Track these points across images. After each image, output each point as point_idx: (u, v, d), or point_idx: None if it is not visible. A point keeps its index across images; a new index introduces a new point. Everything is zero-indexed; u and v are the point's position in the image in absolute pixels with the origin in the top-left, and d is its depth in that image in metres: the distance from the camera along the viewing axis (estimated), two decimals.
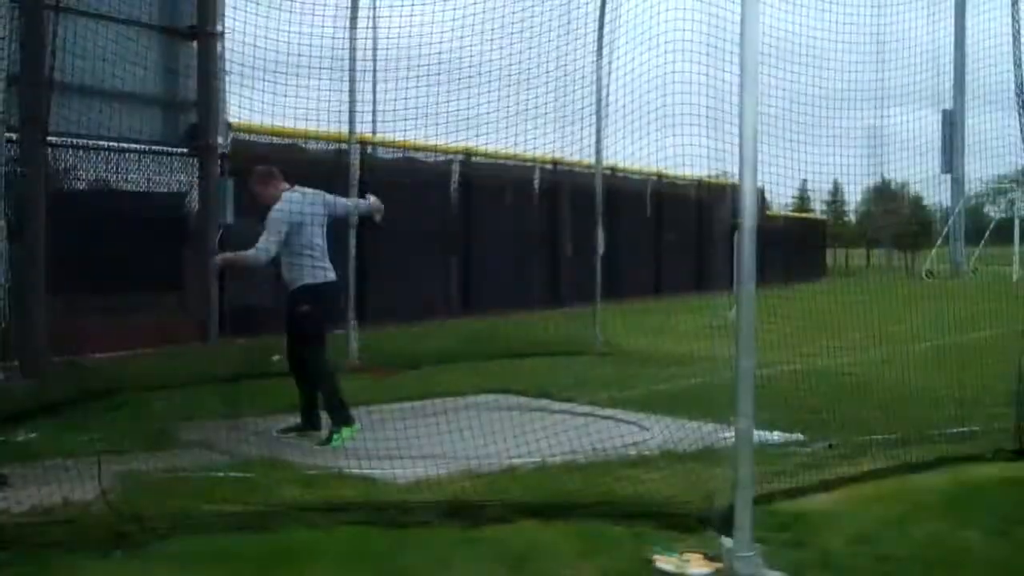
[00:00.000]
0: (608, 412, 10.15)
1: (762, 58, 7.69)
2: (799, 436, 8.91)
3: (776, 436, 8.83)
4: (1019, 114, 9.51)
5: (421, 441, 8.18)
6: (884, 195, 45.16)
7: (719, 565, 5.51)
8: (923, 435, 8.81)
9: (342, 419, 8.91)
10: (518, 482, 7.17)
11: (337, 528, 6.04)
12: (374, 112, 15.91)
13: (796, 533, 6.16)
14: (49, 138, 11.46)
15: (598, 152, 14.95)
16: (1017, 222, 41.84)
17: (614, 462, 7.88)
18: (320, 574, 5.33)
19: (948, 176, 35.86)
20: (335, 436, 8.79)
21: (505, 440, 8.18)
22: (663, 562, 5.58)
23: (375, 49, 14.45)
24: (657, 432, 9.11)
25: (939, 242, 44.51)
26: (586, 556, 5.68)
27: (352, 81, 12.81)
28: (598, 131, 14.28)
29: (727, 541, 5.67)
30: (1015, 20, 9.17)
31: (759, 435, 8.47)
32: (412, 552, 5.72)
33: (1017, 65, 9.19)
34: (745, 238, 5.53)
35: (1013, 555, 5.94)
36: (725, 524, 6.00)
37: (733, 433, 7.58)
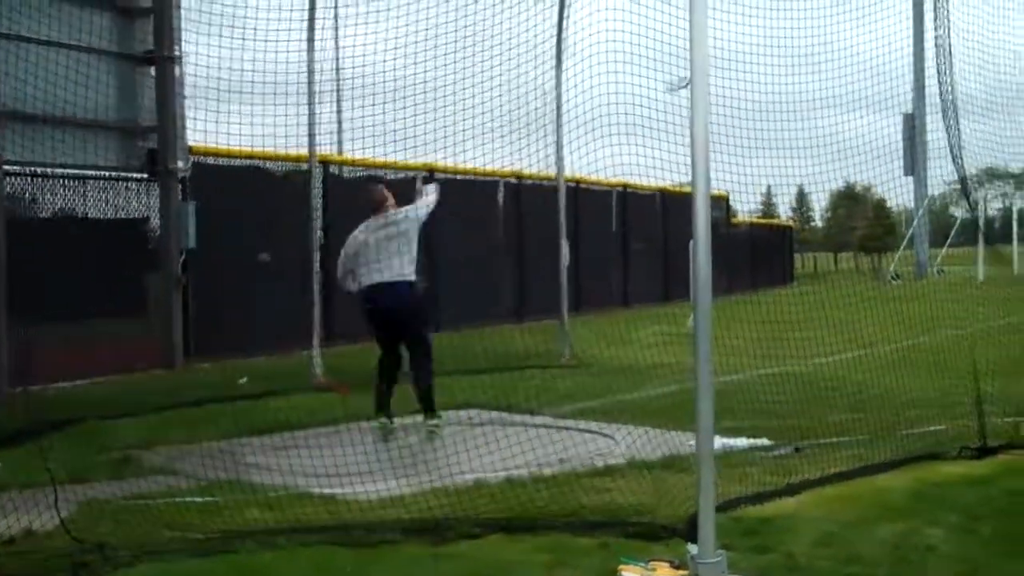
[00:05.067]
0: (575, 424, 10.15)
1: (718, 67, 7.79)
2: (765, 441, 8.95)
3: (743, 442, 8.87)
4: (945, 122, 9.65)
5: (388, 459, 8.15)
6: (849, 199, 45.57)
7: (685, 573, 5.51)
8: (889, 436, 8.88)
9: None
10: (485, 497, 7.14)
11: (301, 549, 6.01)
12: (339, 132, 15.92)
13: (762, 538, 6.17)
14: (5, 167, 11.40)
15: (559, 165, 14.99)
16: (982, 222, 42.18)
17: (581, 473, 7.87)
18: None
19: (911, 178, 36.09)
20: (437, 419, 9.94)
21: (473, 455, 8.18)
22: (629, 571, 5.58)
23: (337, 70, 14.51)
24: (624, 442, 9.11)
25: (904, 244, 44.85)
26: (553, 569, 5.68)
27: (312, 103, 12.79)
28: (559, 144, 14.32)
29: (692, 548, 5.68)
30: (937, 28, 9.31)
31: (725, 442, 8.55)
32: (377, 571, 5.70)
33: (940, 73, 9.33)
34: (700, 247, 5.55)
35: (978, 552, 5.96)
36: (691, 531, 6.02)
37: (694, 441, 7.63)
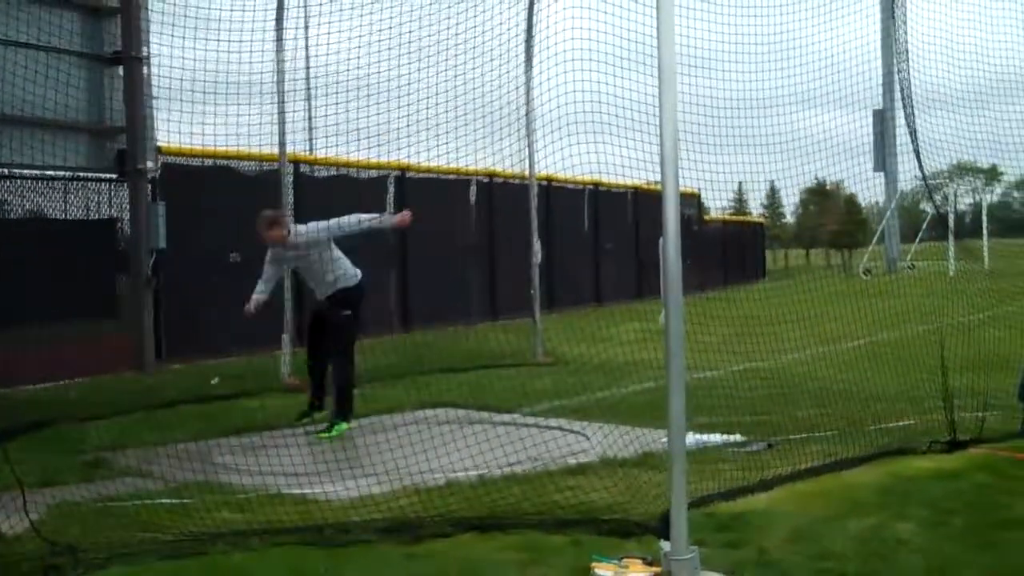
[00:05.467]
0: (549, 422, 10.15)
1: (690, 65, 7.80)
2: (738, 437, 8.98)
3: (716, 438, 8.89)
4: (907, 119, 9.70)
5: (361, 458, 8.14)
6: (820, 196, 45.78)
7: (657, 570, 5.52)
8: (859, 431, 8.93)
9: (346, 413, 9.89)
10: (458, 496, 7.14)
11: (274, 550, 6.00)
12: (310, 131, 15.83)
13: (734, 534, 6.20)
14: None
15: (531, 163, 14.99)
16: (952, 217, 42.42)
17: (555, 472, 7.88)
18: None
19: (881, 174, 36.33)
20: (336, 427, 9.75)
21: (447, 454, 8.18)
22: (602, 569, 5.58)
23: (308, 68, 14.47)
24: (597, 440, 9.12)
25: (875, 240, 45.08)
26: (527, 567, 5.68)
27: (281, 102, 12.74)
28: (530, 142, 14.31)
29: (665, 545, 5.70)
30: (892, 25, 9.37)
31: (698, 438, 8.58)
32: (350, 571, 5.69)
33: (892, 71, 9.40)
34: (670, 244, 5.56)
35: (947, 545, 6.01)
36: (664, 528, 6.04)
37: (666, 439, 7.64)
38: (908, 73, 9.53)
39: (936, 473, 7.59)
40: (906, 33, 9.45)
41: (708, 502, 6.82)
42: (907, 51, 9.52)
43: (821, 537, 6.13)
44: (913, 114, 9.52)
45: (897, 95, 9.89)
